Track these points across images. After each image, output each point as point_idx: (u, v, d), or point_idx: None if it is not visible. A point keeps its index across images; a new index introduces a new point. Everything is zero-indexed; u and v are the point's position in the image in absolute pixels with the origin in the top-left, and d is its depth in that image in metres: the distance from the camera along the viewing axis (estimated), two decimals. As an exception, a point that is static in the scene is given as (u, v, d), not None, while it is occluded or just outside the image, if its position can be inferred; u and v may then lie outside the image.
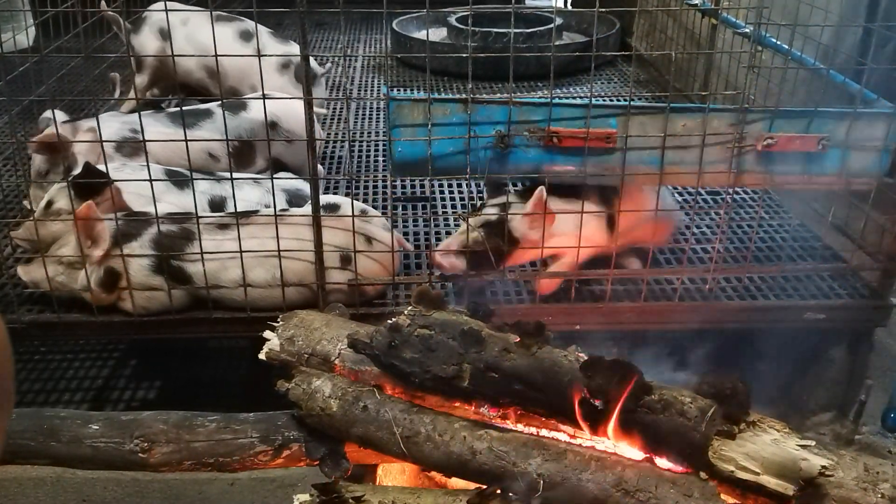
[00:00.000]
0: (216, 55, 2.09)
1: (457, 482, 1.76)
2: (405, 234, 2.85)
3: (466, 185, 3.17)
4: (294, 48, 3.40)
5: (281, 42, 3.54)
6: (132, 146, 2.66)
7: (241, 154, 2.82)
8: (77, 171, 2.41)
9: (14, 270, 2.45)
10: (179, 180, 2.52)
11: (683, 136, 2.22)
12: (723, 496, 1.54)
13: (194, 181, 2.41)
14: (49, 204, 2.44)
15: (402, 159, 2.27)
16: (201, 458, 1.85)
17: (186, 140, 2.20)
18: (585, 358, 1.64)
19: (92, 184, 2.30)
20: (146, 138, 2.24)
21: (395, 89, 4.29)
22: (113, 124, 2.71)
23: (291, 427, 1.85)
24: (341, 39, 5.02)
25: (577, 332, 2.38)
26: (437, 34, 5.03)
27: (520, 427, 1.75)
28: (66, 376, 2.92)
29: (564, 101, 2.34)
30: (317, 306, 2.30)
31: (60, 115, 2.68)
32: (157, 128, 2.72)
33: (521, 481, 1.57)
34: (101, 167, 2.31)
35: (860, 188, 2.37)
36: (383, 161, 3.43)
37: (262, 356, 1.96)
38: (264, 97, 2.34)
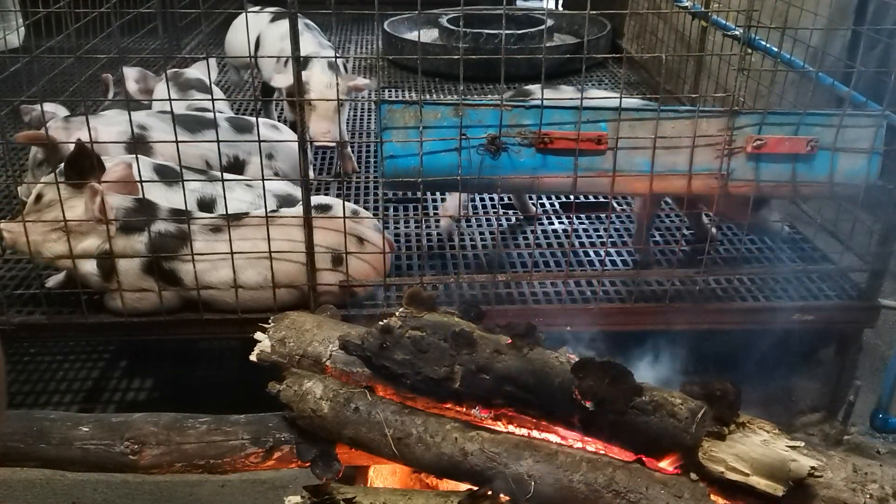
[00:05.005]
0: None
1: (448, 483, 1.76)
2: (396, 235, 2.85)
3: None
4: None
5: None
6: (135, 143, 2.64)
7: (231, 171, 2.78)
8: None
9: (3, 272, 2.44)
10: (170, 180, 2.50)
11: (674, 137, 2.23)
12: (713, 497, 1.55)
13: (186, 179, 2.38)
14: (39, 197, 2.39)
15: (392, 162, 2.27)
16: (192, 460, 1.85)
17: (178, 143, 2.20)
18: (577, 359, 1.65)
19: (84, 170, 2.26)
20: (153, 138, 2.19)
21: (386, 90, 4.29)
22: (118, 124, 2.69)
23: (282, 429, 1.85)
24: (333, 40, 5.01)
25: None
26: (429, 35, 5.04)
27: (511, 428, 1.76)
28: (56, 378, 2.90)
29: (556, 101, 2.33)
30: (308, 307, 2.30)
31: (62, 111, 2.65)
32: (162, 127, 2.70)
33: (512, 483, 1.58)
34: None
35: (850, 192, 2.38)
36: (374, 162, 3.43)
37: (253, 357, 1.96)
38: (257, 104, 2.34)
